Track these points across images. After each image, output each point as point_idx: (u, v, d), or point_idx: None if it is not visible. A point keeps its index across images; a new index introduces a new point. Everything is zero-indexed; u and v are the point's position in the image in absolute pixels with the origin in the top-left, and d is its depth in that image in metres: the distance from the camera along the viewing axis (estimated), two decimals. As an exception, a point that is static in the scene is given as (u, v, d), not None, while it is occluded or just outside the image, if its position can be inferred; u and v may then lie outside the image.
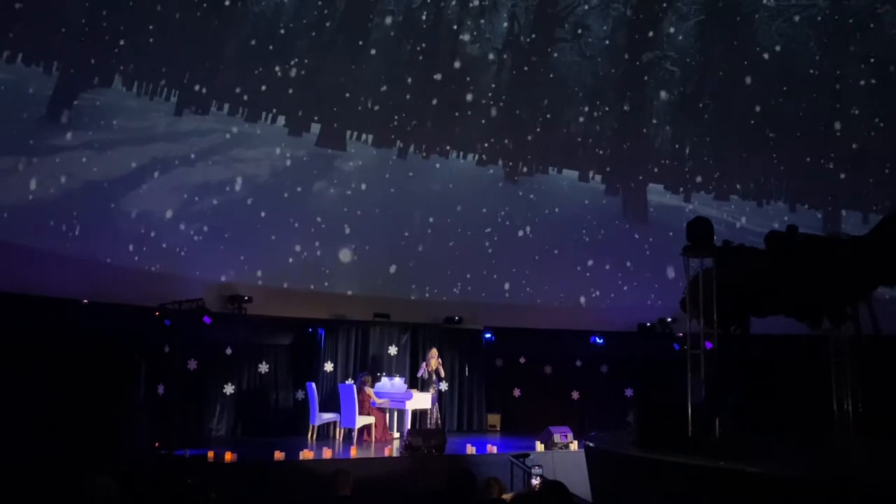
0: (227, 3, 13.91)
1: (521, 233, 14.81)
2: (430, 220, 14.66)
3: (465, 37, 16.16)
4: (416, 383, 12.33)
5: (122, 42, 12.79)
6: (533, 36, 16.04)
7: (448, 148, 15.77)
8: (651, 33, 15.46)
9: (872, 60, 14.19)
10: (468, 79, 15.93)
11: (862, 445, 7.67)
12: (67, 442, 8.46)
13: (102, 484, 4.28)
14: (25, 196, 10.79)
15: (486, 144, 15.97)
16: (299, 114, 14.75)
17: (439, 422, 12.01)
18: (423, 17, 15.85)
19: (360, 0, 15.30)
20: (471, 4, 16.07)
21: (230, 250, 12.88)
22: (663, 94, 15.86)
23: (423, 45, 15.68)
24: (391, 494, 8.46)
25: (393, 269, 14.19)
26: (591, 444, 8.36)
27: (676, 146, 15.81)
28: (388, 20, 15.64)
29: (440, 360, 12.25)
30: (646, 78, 15.55)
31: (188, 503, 6.14)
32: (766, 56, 14.99)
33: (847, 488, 5.60)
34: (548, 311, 13.81)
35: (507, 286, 14.46)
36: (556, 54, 16.17)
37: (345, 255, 13.91)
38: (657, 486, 6.75)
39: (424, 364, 12.20)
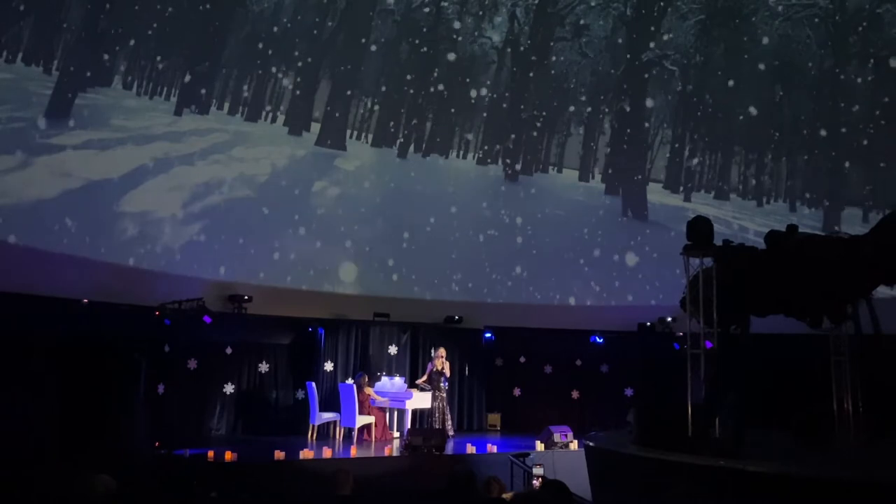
0: (227, 2, 13.91)
1: (520, 232, 14.81)
2: (430, 219, 14.66)
3: (465, 36, 16.16)
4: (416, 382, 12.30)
5: (121, 41, 12.80)
6: (533, 35, 16.04)
7: (448, 147, 15.78)
8: (651, 32, 15.46)
9: (872, 60, 14.18)
10: (468, 78, 15.94)
11: (862, 444, 7.67)
12: (67, 441, 8.46)
13: (102, 483, 4.29)
14: (25, 196, 10.79)
15: (486, 144, 15.98)
16: (299, 113, 14.74)
17: (448, 422, 11.93)
18: (423, 17, 15.85)
19: (359, -1, 15.32)
20: (471, 4, 16.07)
21: (230, 250, 12.88)
22: (663, 94, 15.86)
23: (423, 44, 15.68)
24: (391, 494, 8.46)
25: (393, 268, 14.18)
26: (590, 444, 8.36)
27: (676, 145, 15.80)
28: (388, 19, 15.64)
29: (446, 360, 12.16)
30: (646, 77, 15.54)
31: (189, 503, 6.15)
32: (765, 55, 14.99)
33: (847, 487, 5.60)
34: (548, 310, 13.81)
35: (507, 286, 14.46)
36: (555, 54, 16.17)
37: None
38: (657, 485, 6.75)
39: (430, 365, 12.16)
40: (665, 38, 15.47)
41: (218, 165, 13.53)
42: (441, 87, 15.62)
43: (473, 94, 15.97)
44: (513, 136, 15.84)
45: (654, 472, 6.80)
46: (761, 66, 14.92)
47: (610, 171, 15.69)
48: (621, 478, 7.38)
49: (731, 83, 15.11)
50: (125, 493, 4.44)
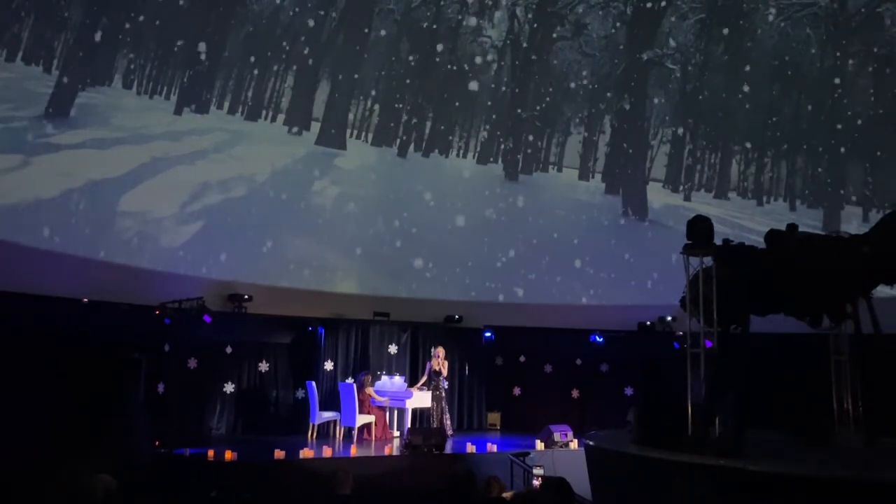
0: (227, 1, 13.91)
1: (520, 231, 14.80)
2: (430, 218, 14.65)
3: (465, 36, 16.16)
4: (415, 382, 12.30)
5: (121, 40, 12.79)
6: (533, 35, 16.03)
7: (448, 146, 15.78)
8: (651, 32, 15.45)
9: (872, 59, 14.18)
10: (468, 77, 15.94)
11: (862, 443, 7.67)
12: (67, 441, 8.46)
13: (102, 483, 4.29)
14: (25, 195, 10.79)
15: (486, 143, 15.98)
16: (299, 113, 14.74)
17: (446, 421, 11.94)
18: (423, 16, 15.85)
19: (359, -1, 15.31)
20: (471, 3, 16.07)
21: (230, 249, 12.87)
22: (663, 93, 15.86)
23: (423, 43, 15.68)
24: (391, 493, 8.46)
25: (393, 267, 14.18)
26: (590, 443, 8.35)
27: (676, 144, 15.80)
28: (388, 19, 15.64)
29: (446, 360, 12.16)
30: (646, 76, 15.54)
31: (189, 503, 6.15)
32: (765, 54, 14.99)
33: (847, 487, 5.60)
34: (548, 309, 13.80)
35: (507, 285, 14.45)
36: (556, 53, 16.17)
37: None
38: (657, 484, 6.75)
39: (429, 365, 12.16)
40: (665, 36, 15.47)
41: (218, 165, 13.52)
42: (441, 86, 15.61)
43: (473, 93, 15.97)
44: (513, 135, 15.83)
45: (654, 471, 6.79)
46: (761, 66, 14.91)
47: (610, 170, 15.69)
48: (621, 477, 7.38)
49: (731, 82, 15.11)
50: (125, 493, 4.44)
